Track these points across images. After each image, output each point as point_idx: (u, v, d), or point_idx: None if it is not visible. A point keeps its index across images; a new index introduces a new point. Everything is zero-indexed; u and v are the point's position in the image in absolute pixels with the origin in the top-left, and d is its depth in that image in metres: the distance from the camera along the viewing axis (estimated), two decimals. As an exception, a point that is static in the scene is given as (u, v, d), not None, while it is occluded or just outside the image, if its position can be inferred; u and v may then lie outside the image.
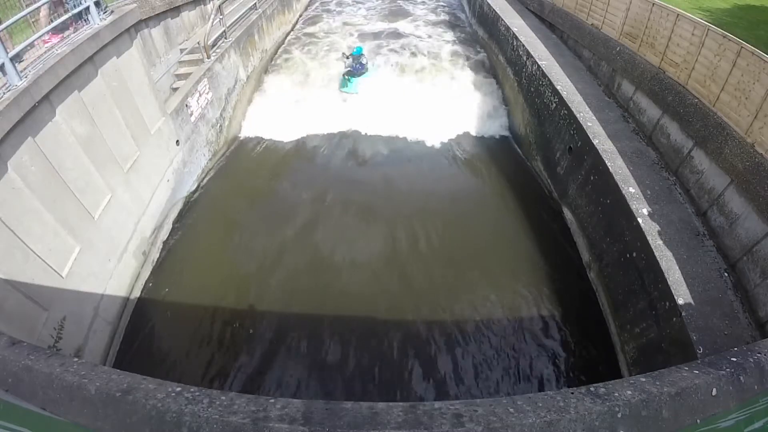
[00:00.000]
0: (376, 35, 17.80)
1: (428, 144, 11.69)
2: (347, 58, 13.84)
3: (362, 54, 13.87)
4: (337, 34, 18.00)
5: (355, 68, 13.53)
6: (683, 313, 5.15)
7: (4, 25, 5.62)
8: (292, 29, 18.64)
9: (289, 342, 6.61)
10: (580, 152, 8.32)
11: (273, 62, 15.61)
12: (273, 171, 10.60)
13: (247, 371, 6.30)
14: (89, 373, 3.21)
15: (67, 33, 6.55)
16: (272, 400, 3.03)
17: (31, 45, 6.08)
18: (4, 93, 5.19)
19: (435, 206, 9.23)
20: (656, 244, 5.97)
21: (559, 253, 8.24)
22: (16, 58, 5.56)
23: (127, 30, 7.49)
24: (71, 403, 3.08)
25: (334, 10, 21.48)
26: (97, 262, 6.50)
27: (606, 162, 7.34)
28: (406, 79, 14.16)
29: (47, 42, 6.39)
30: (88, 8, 6.78)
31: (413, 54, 16.02)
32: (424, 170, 10.69)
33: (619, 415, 3.00)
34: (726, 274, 5.65)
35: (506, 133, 12.34)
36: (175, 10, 10.45)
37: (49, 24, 6.26)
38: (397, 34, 18.04)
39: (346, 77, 13.52)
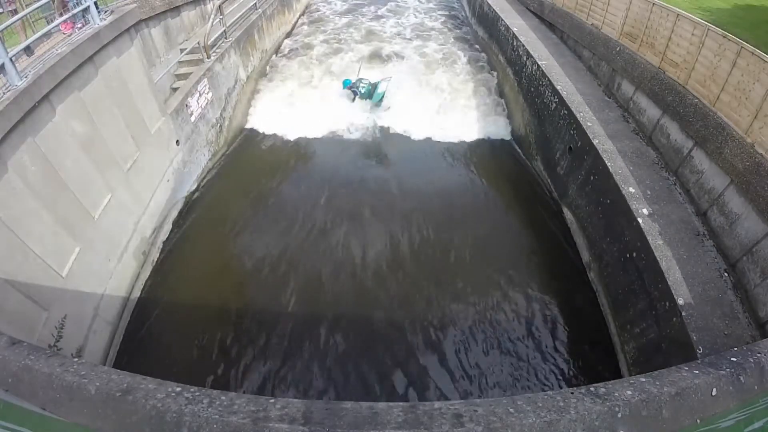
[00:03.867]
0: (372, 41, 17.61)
1: (429, 144, 11.70)
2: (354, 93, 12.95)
3: (352, 83, 12.99)
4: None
5: (362, 91, 12.71)
6: (683, 313, 5.15)
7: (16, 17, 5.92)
8: (292, 29, 18.65)
9: (289, 341, 6.61)
10: (580, 152, 8.32)
11: (273, 61, 15.61)
12: (273, 170, 10.60)
13: (247, 371, 6.30)
14: (89, 373, 3.21)
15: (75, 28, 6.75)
16: (272, 400, 3.02)
17: (48, 35, 6.42)
18: (4, 93, 5.19)
19: (435, 206, 9.22)
20: (656, 244, 5.97)
21: (559, 253, 8.24)
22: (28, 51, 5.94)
23: (127, 30, 7.49)
24: (71, 403, 3.08)
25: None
26: (97, 262, 6.50)
27: (606, 162, 7.34)
28: (406, 80, 14.15)
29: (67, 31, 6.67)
30: (88, 8, 6.79)
31: (412, 56, 16.04)
32: (424, 170, 10.70)
33: (619, 415, 2.99)
34: (726, 274, 5.65)
35: (506, 133, 12.34)
36: (175, 10, 10.45)
37: (60, 14, 6.59)
38: (394, 34, 18.08)
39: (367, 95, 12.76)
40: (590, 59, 10.66)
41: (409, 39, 17.72)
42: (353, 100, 12.93)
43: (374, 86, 12.85)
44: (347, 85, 13.04)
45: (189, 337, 6.72)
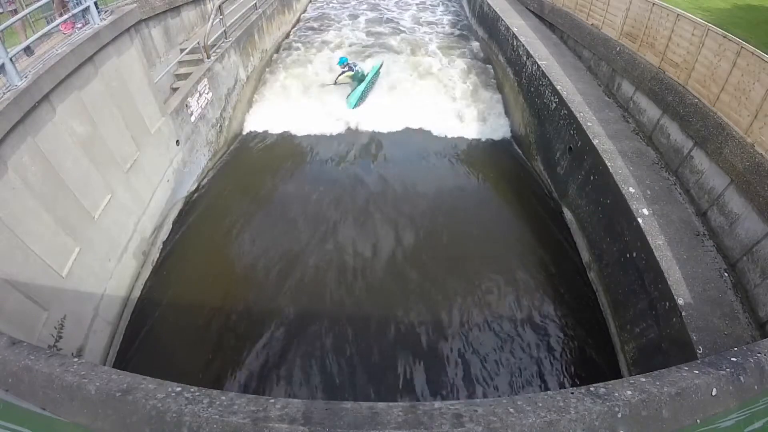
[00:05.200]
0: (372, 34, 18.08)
1: (429, 144, 11.69)
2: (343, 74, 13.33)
3: (348, 62, 13.45)
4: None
5: (353, 67, 13.25)
6: (683, 313, 5.15)
7: (16, 17, 5.96)
8: (291, 29, 18.66)
9: (290, 342, 6.61)
10: (580, 152, 8.32)
11: (273, 61, 15.62)
12: (274, 170, 10.60)
13: (247, 371, 6.30)
14: (89, 373, 3.20)
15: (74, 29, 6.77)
16: (272, 400, 3.02)
17: (48, 35, 6.49)
18: (4, 93, 5.19)
19: (435, 206, 9.22)
20: (656, 244, 5.97)
21: (559, 253, 8.24)
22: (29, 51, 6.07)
23: (127, 30, 7.49)
24: (71, 403, 3.07)
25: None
26: (97, 262, 6.50)
27: (606, 162, 7.34)
28: (406, 80, 14.15)
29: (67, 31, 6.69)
30: (88, 8, 6.79)
31: (412, 55, 16.05)
32: (424, 170, 10.70)
33: (619, 415, 2.99)
34: (726, 274, 5.65)
35: (506, 133, 12.34)
36: (175, 10, 10.46)
37: (60, 14, 6.65)
38: (393, 33, 18.12)
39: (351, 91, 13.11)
40: (590, 59, 10.66)
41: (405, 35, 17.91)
42: (337, 78, 13.31)
43: (363, 75, 13.23)
44: (343, 62, 13.34)
45: (189, 337, 6.72)
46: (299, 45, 17.14)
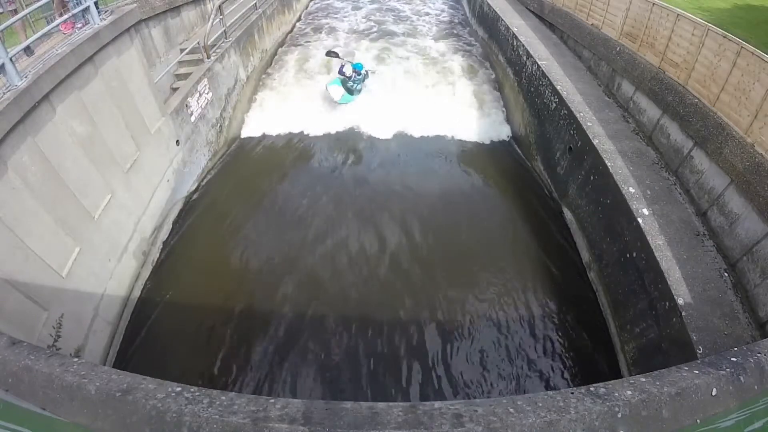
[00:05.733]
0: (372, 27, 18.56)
1: (429, 144, 11.70)
2: (343, 69, 12.87)
3: (361, 71, 12.95)
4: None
5: (354, 81, 12.81)
6: (683, 313, 5.15)
7: (16, 17, 5.97)
8: (291, 29, 18.67)
9: (290, 342, 6.62)
10: (580, 152, 8.32)
11: (275, 60, 15.63)
12: (273, 171, 10.60)
13: (247, 371, 6.31)
14: (89, 373, 3.20)
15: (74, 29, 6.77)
16: (272, 400, 3.02)
17: (48, 35, 6.49)
18: (4, 93, 5.19)
19: (435, 206, 9.23)
20: (656, 244, 5.97)
21: (559, 253, 8.24)
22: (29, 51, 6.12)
23: (127, 30, 7.49)
24: (71, 403, 3.08)
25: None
26: (97, 262, 6.50)
27: (606, 162, 7.34)
28: (405, 80, 14.15)
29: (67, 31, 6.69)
30: (88, 8, 6.79)
31: (412, 54, 16.05)
32: (424, 171, 10.69)
33: (619, 415, 2.99)
34: (726, 274, 5.65)
35: (506, 133, 12.34)
36: (175, 10, 10.46)
37: (60, 14, 6.67)
38: (393, 31, 18.17)
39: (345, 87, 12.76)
40: (590, 59, 10.66)
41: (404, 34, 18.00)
42: (341, 65, 13.00)
43: (356, 82, 12.94)
44: (356, 68, 12.92)
45: (189, 337, 6.72)
46: (302, 40, 17.54)
